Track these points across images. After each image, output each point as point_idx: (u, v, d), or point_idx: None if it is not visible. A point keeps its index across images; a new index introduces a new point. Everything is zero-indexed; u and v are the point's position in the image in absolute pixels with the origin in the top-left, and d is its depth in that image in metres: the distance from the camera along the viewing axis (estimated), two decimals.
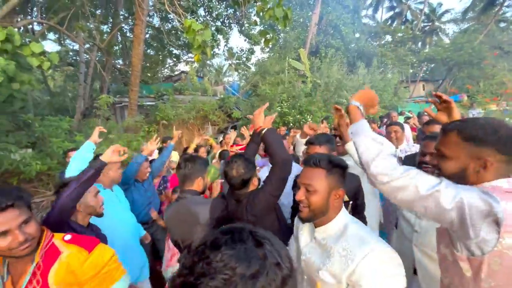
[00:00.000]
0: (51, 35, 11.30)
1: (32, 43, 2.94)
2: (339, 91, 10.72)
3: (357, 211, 1.76)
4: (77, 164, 1.92)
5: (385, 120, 5.48)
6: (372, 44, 20.81)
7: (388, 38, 22.14)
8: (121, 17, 8.78)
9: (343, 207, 1.12)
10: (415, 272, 1.55)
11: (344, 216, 1.10)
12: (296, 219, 1.28)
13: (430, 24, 25.70)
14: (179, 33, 10.55)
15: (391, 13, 28.05)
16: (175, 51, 12.04)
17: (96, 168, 1.49)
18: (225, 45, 11.49)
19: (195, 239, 1.59)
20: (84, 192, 1.48)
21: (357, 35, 19.20)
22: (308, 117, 9.51)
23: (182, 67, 18.71)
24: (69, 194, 1.39)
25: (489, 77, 14.26)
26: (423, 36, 24.50)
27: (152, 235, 2.94)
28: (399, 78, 16.30)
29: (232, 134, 4.15)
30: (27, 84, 3.20)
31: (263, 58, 14.06)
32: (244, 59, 11.82)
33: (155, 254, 2.92)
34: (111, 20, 10.52)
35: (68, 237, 1.19)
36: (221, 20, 10.16)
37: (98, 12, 9.17)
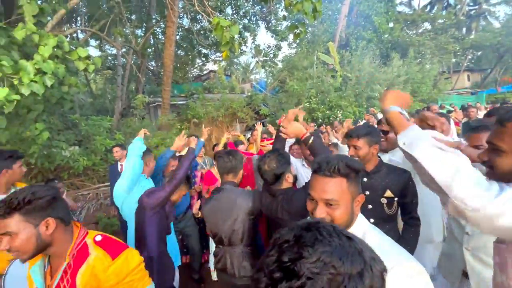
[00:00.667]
0: (92, 42, 12.28)
1: (79, 48, 3.21)
2: (372, 84, 10.19)
3: (406, 210, 1.59)
4: (134, 156, 2.12)
5: None
6: (407, 33, 19.42)
7: (427, 26, 20.44)
8: (153, 20, 9.22)
9: (360, 212, 0.98)
10: (465, 275, 1.42)
11: (362, 222, 0.95)
12: None
13: (476, 7, 23.25)
14: (208, 32, 10.80)
15: None
16: (204, 51, 12.34)
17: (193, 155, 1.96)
18: (252, 42, 11.51)
19: (236, 228, 1.68)
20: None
21: (390, 24, 18.03)
22: (338, 112, 9.19)
23: (210, 66, 19.23)
24: (182, 175, 1.87)
25: None
26: (468, 21, 22.26)
27: (181, 231, 3.05)
28: (439, 68, 15.03)
29: (258, 127, 4.14)
30: (75, 87, 3.50)
31: (290, 53, 13.86)
32: (272, 55, 11.74)
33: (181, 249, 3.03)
34: (144, 24, 11.13)
35: (99, 237, 1.16)
36: (248, 17, 10.18)
37: (133, 17, 9.73)
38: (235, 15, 10.01)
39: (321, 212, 0.89)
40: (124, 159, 3.97)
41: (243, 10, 9.73)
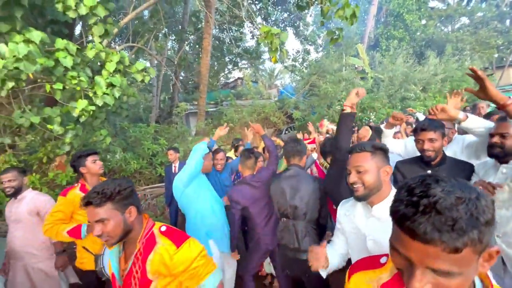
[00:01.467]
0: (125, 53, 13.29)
1: (137, 62, 3.61)
2: (406, 84, 9.84)
3: None
4: (198, 156, 2.38)
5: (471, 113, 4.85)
6: (442, 30, 18.39)
7: (465, 20, 19.20)
8: (186, 34, 9.84)
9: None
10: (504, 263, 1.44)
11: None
12: (343, 205, 1.33)
13: None
14: (238, 42, 11.20)
15: None
16: (234, 59, 12.80)
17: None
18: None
19: (299, 205, 1.96)
20: None
21: (423, 21, 17.24)
22: (371, 114, 9.00)
23: (235, 73, 19.83)
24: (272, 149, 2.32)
25: None
26: None
27: None
28: (481, 65, 13.98)
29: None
30: (132, 97, 3.92)
31: (316, 58, 13.86)
32: (301, 60, 11.85)
33: None
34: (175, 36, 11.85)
35: (163, 228, 1.23)
36: (277, 24, 10.44)
37: (166, 30, 10.48)
38: (264, 23, 10.32)
39: (352, 178, 1.16)
40: (177, 161, 4.33)
41: (274, 18, 9.99)
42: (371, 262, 0.86)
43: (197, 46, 10.14)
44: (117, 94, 3.13)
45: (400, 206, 0.52)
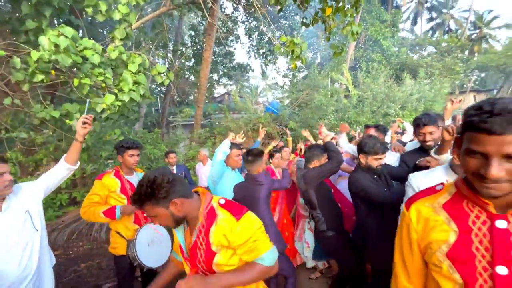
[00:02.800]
0: None
1: (158, 65, 3.78)
2: (387, 102, 10.73)
3: None
4: (221, 153, 2.60)
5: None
6: (412, 56, 20.35)
7: (432, 49, 21.47)
8: (183, 47, 10.15)
9: None
10: None
11: None
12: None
13: (477, 31, 24.43)
14: (230, 56, 11.67)
15: (432, 24, 27.37)
16: (227, 72, 13.21)
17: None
18: (273, 64, 12.40)
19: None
20: None
21: (396, 48, 19.06)
22: (357, 127, 9.64)
23: (220, 89, 20.37)
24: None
25: None
26: (470, 44, 23.30)
27: None
28: (449, 88, 15.57)
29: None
30: (147, 98, 4.04)
31: (305, 75, 14.74)
32: (291, 76, 12.54)
33: None
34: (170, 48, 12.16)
35: (222, 201, 1.26)
36: (271, 42, 11.12)
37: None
38: (258, 40, 10.95)
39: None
40: (175, 165, 4.55)
41: (266, 38, 10.66)
42: (428, 191, 0.92)
43: (192, 59, 10.47)
44: (141, 92, 3.27)
45: (474, 117, 0.69)
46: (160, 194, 1.12)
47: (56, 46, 2.64)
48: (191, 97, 17.21)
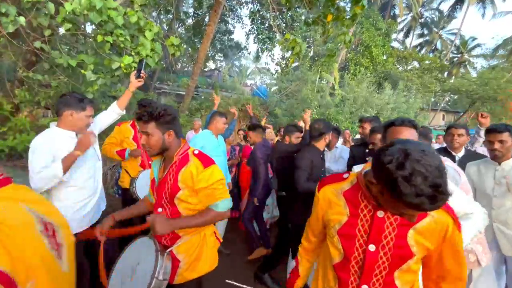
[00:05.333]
0: None
1: (171, 37, 4.12)
2: (366, 106, 11.68)
3: None
4: None
5: None
6: (398, 67, 21.61)
7: (416, 64, 22.90)
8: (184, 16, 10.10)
9: None
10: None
11: None
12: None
13: (459, 56, 26.21)
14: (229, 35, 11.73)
15: (421, 40, 28.70)
16: (223, 49, 13.26)
17: None
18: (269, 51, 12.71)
19: None
20: None
21: (384, 57, 20.09)
22: (336, 124, 10.50)
23: (210, 64, 20.32)
24: None
25: None
26: (450, 66, 25.04)
27: None
28: (422, 104, 17.00)
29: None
30: (156, 65, 4.38)
31: (297, 65, 15.27)
32: (284, 65, 12.99)
33: None
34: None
35: (196, 151, 1.45)
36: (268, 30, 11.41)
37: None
38: (259, 24, 11.18)
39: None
40: None
41: (267, 24, 10.91)
42: (336, 177, 1.10)
43: (191, 30, 10.46)
44: (156, 59, 3.64)
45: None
46: (165, 119, 1.34)
47: (91, 3, 2.94)
48: (184, 68, 17.01)
